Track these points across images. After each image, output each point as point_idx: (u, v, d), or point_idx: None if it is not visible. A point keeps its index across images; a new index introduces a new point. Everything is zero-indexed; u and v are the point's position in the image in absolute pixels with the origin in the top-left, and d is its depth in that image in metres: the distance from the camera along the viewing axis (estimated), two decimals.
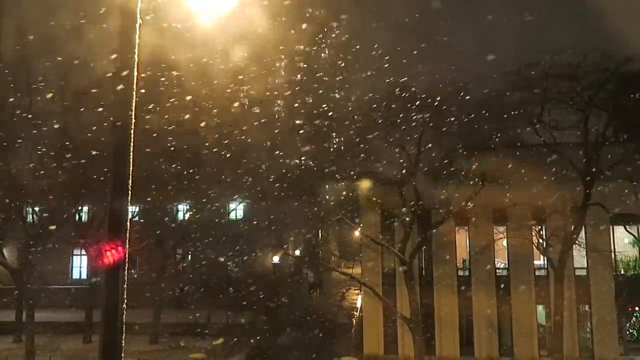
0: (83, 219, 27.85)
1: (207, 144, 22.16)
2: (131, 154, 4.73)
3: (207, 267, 29.62)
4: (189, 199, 28.45)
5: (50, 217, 25.21)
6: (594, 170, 21.74)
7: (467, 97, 22.30)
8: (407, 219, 22.63)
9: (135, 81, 4.76)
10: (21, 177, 22.93)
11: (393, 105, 22.17)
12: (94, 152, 19.82)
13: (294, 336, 26.40)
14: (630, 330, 24.77)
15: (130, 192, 4.72)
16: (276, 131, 24.18)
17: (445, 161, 23.08)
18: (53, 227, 24.77)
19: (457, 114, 21.82)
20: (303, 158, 24.29)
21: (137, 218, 26.81)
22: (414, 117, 22.30)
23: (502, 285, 24.62)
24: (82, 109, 21.49)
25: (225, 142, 22.99)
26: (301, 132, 23.89)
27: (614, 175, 21.51)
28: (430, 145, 22.75)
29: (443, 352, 24.41)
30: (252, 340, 26.21)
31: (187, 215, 29.82)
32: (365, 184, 23.90)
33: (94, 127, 19.11)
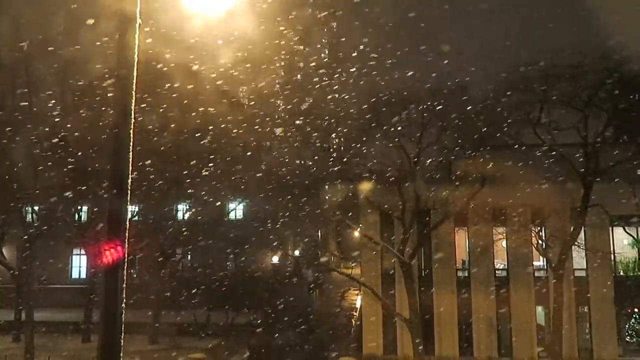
0: (83, 219, 27.86)
1: (205, 144, 22.16)
2: (130, 153, 4.74)
3: (206, 267, 29.62)
4: (188, 198, 28.46)
5: (50, 217, 25.21)
6: (593, 171, 21.75)
7: (467, 97, 22.32)
8: (406, 219, 22.63)
9: (134, 81, 4.78)
10: (20, 177, 22.92)
11: (392, 105, 22.17)
12: (93, 152, 19.83)
13: (293, 336, 26.39)
14: (629, 331, 24.78)
15: (129, 192, 4.73)
16: (274, 131, 24.18)
17: (445, 162, 23.10)
18: (52, 227, 24.77)
19: (457, 114, 21.84)
20: (302, 158, 24.30)
21: (136, 218, 26.80)
22: (414, 117, 22.33)
23: (502, 286, 24.63)
24: (81, 109, 21.49)
25: (224, 142, 23.00)
26: (300, 132, 23.89)
27: (613, 176, 21.53)
28: (429, 145, 22.76)
29: (442, 352, 24.42)
30: (251, 340, 26.22)
31: (186, 215, 29.83)
32: (364, 184, 23.90)
33: (94, 127, 19.11)
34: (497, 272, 25.27)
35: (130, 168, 4.73)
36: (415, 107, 22.29)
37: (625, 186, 21.51)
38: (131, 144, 4.73)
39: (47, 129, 22.32)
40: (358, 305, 33.10)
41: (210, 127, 22.00)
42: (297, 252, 36.46)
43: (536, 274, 24.92)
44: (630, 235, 24.11)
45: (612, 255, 24.41)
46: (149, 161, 19.69)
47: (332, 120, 24.33)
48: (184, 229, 28.05)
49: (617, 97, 21.25)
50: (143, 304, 24.81)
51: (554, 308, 22.60)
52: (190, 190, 26.08)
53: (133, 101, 4.76)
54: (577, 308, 24.31)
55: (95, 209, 26.43)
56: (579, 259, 24.33)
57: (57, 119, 22.54)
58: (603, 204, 22.05)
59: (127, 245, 4.66)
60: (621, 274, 25.01)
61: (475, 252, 24.80)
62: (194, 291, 26.78)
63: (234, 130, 22.53)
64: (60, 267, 32.35)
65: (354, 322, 32.22)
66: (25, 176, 22.70)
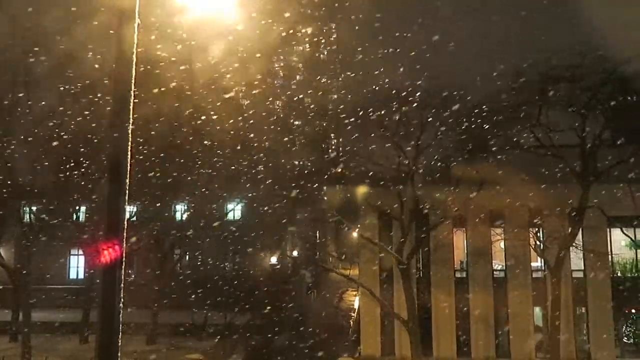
0: (81, 219, 27.80)
1: (205, 144, 22.15)
2: (129, 153, 4.72)
3: (204, 267, 29.59)
4: (187, 198, 28.42)
5: (48, 217, 25.14)
6: (591, 172, 21.79)
7: (465, 99, 22.34)
8: (404, 220, 22.64)
9: (133, 79, 4.76)
10: (18, 176, 22.87)
11: (391, 107, 22.19)
12: (92, 150, 19.79)
13: (291, 337, 26.37)
14: (627, 332, 24.82)
15: (127, 192, 4.71)
16: (274, 132, 24.18)
17: (443, 163, 23.11)
18: (50, 226, 24.71)
19: (456, 116, 21.86)
20: (301, 159, 24.30)
21: (134, 218, 26.76)
22: (412, 119, 22.34)
23: (500, 287, 24.65)
24: (80, 107, 21.44)
25: (223, 142, 22.98)
26: (300, 132, 23.91)
27: (611, 177, 21.56)
28: (428, 146, 22.77)
29: (440, 353, 24.42)
30: (249, 341, 26.18)
31: (185, 215, 29.79)
32: (363, 185, 23.89)
33: (92, 126, 19.08)
34: (495, 273, 25.28)
35: (129, 167, 4.72)
36: (414, 108, 22.30)
37: (622, 188, 21.55)
38: (129, 142, 4.72)
39: (45, 127, 22.26)
40: (356, 306, 33.09)
41: (209, 127, 21.98)
42: (295, 253, 36.44)
43: (534, 275, 24.94)
44: (628, 236, 24.14)
45: (610, 257, 24.45)
46: (147, 161, 19.66)
47: (331, 121, 24.36)
48: (182, 229, 28.01)
49: (615, 99, 21.28)
50: (141, 304, 24.78)
51: (552, 309, 22.62)
52: (188, 190, 26.05)
53: (132, 99, 4.75)
54: (574, 309, 24.34)
55: (93, 209, 26.37)
56: (576, 260, 24.37)
57: (55, 117, 22.49)
58: (601, 206, 22.09)
59: (125, 245, 4.65)
60: (619, 275, 25.06)
61: (474, 253, 24.81)
62: (192, 291, 26.73)
63: (232, 131, 22.52)
64: (58, 267, 32.27)
65: (352, 323, 32.21)
66: (23, 175, 22.65)
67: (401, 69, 22.10)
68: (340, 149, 25.80)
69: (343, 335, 29.32)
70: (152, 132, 19.78)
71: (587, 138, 22.07)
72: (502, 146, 22.24)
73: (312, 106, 24.23)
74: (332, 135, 26.01)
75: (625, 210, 22.13)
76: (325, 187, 25.02)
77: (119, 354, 4.62)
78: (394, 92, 22.51)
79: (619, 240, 24.75)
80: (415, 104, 22.10)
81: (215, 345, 26.30)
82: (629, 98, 21.35)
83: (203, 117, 21.33)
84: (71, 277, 34.28)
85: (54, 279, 32.44)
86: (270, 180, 23.51)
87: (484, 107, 21.71)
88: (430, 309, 24.60)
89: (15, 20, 21.50)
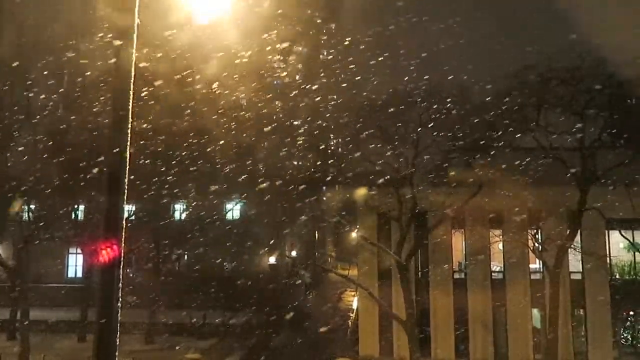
0: (79, 218, 27.79)
1: (204, 145, 22.15)
2: (127, 152, 4.74)
3: (203, 267, 29.59)
4: (186, 198, 28.42)
5: (47, 216, 25.15)
6: (589, 174, 21.82)
7: (464, 100, 22.36)
8: (403, 221, 22.66)
9: (132, 80, 4.78)
10: (17, 175, 22.86)
11: (390, 108, 22.19)
12: (91, 150, 19.78)
13: (289, 336, 26.40)
14: (625, 335, 24.84)
15: (126, 191, 4.72)
16: (273, 132, 24.18)
17: (442, 164, 23.12)
18: (49, 225, 24.70)
19: (454, 117, 21.87)
20: (300, 159, 24.31)
21: (133, 217, 26.76)
22: (411, 120, 22.34)
23: (498, 288, 24.67)
24: (80, 107, 21.45)
25: (222, 142, 22.97)
26: (299, 133, 23.91)
27: (610, 179, 21.59)
28: (427, 148, 22.78)
29: (438, 354, 24.44)
30: (247, 341, 26.20)
31: (183, 215, 29.79)
32: (362, 186, 23.91)
33: (91, 125, 19.08)
34: (493, 274, 25.31)
35: (127, 167, 4.73)
36: (413, 110, 22.31)
37: (621, 190, 21.58)
38: (128, 142, 4.73)
39: (44, 127, 22.27)
40: (354, 306, 33.10)
41: (208, 128, 21.99)
42: (294, 253, 36.46)
43: (532, 276, 24.97)
44: (626, 238, 24.17)
45: (608, 259, 24.48)
46: (147, 161, 19.67)
47: (331, 122, 24.35)
48: (181, 229, 28.02)
49: (614, 101, 21.31)
50: (139, 304, 24.79)
51: (550, 310, 22.65)
52: (187, 190, 26.05)
53: (131, 99, 4.76)
54: (572, 311, 24.37)
55: (92, 208, 26.37)
56: (575, 262, 24.40)
57: (54, 117, 22.50)
58: (599, 208, 22.11)
59: (123, 244, 4.66)
60: (617, 277, 25.09)
61: (472, 254, 24.84)
62: (190, 291, 26.75)
63: (232, 132, 22.52)
64: (56, 266, 32.29)
65: (350, 323, 32.23)
66: (22, 174, 22.65)
67: (400, 71, 22.10)
68: (340, 149, 25.80)
69: (341, 335, 29.33)
70: (150, 133, 19.77)
71: (585, 140, 22.10)
72: (501, 148, 22.25)
73: (311, 107, 24.24)
74: (331, 136, 26.01)
75: (623, 212, 22.16)
76: (324, 188, 25.03)
77: (117, 353, 4.63)
78: (392, 93, 22.51)
79: (617, 242, 24.79)
80: (414, 105, 22.11)
81: (214, 345, 26.31)
82: (628, 101, 21.39)
83: (201, 118, 21.34)
84: (69, 275, 34.31)
85: (52, 277, 32.45)
86: (269, 181, 23.52)
87: (482, 108, 21.73)
88: (429, 310, 24.62)
89: (18, 30, 21.56)
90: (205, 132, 22.09)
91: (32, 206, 26.04)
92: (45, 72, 22.34)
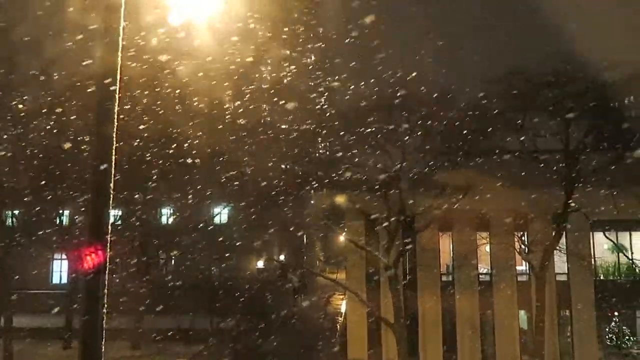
0: (64, 223, 27.44)
1: (191, 148, 22.02)
2: (113, 156, 4.70)
3: (190, 271, 29.36)
4: (173, 203, 28.21)
5: (31, 220, 24.79)
6: (574, 177, 22.10)
7: (451, 105, 22.53)
8: (391, 224, 22.73)
9: (118, 85, 4.74)
10: (1, 179, 22.52)
11: (377, 112, 22.28)
12: (77, 155, 19.55)
13: (278, 341, 26.27)
14: (610, 335, 25.15)
15: (112, 196, 4.68)
16: (261, 136, 24.14)
17: (430, 167, 23.25)
18: (33, 230, 24.35)
19: (441, 121, 22.04)
20: (288, 163, 24.27)
21: (119, 222, 26.50)
22: (399, 124, 22.46)
23: (485, 290, 24.84)
24: (65, 111, 21.19)
25: (210, 146, 22.87)
26: (286, 137, 23.90)
27: (594, 182, 21.88)
28: (414, 151, 22.91)
29: (427, 356, 24.52)
30: (236, 346, 26.01)
31: (170, 220, 29.56)
32: (350, 190, 23.94)
33: (77, 129, 18.87)
34: (480, 276, 25.49)
35: (113, 171, 4.69)
36: (400, 114, 22.43)
37: (605, 192, 21.88)
38: (113, 146, 4.69)
39: (28, 131, 21.97)
40: (343, 310, 33.09)
41: (195, 132, 21.87)
42: (282, 257, 36.35)
43: (519, 278, 25.19)
44: (610, 239, 24.50)
45: (593, 260, 24.79)
46: (131, 165, 19.49)
47: (318, 126, 24.38)
48: (168, 233, 27.79)
49: (597, 105, 21.63)
50: (125, 309, 24.50)
51: (537, 312, 22.85)
52: (174, 194, 25.86)
53: (116, 103, 4.72)
54: (559, 312, 24.62)
55: (78, 213, 26.06)
56: (560, 263, 24.67)
57: (39, 121, 22.21)
58: (584, 210, 22.40)
59: (109, 250, 4.61)
60: (601, 278, 25.41)
61: (460, 257, 24.99)
62: (177, 296, 26.51)
63: (218, 135, 22.43)
64: (40, 271, 31.79)
65: (339, 327, 32.21)
66: (5, 178, 22.31)
67: (388, 75, 22.20)
68: (328, 153, 25.82)
69: (330, 339, 29.29)
70: (138, 140, 19.62)
71: (570, 143, 22.40)
72: (487, 151, 22.46)
73: (299, 111, 24.25)
74: (320, 140, 26.03)
75: (607, 214, 22.46)
76: (312, 192, 25.02)
77: None
78: (379, 97, 22.61)
79: (601, 244, 25.12)
80: (401, 109, 22.22)
81: (201, 351, 26.10)
82: (611, 104, 21.72)
83: (187, 121, 21.23)
84: (54, 281, 33.83)
85: (37, 283, 31.96)
86: (257, 185, 23.45)
87: (469, 112, 21.93)
88: (417, 313, 24.70)
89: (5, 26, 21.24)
90: (190, 137, 21.97)
91: (16, 211, 25.67)
92: (31, 71, 22.05)
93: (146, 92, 18.76)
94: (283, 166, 23.26)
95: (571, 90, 21.85)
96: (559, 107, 22.03)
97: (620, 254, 25.09)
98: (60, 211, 26.80)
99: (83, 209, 23.06)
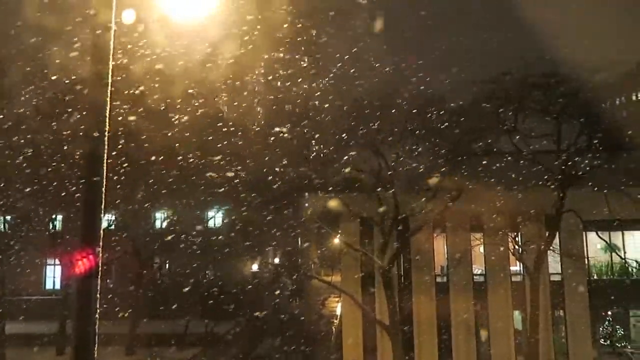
0: (57, 228, 27.25)
1: (183, 150, 21.94)
2: (105, 160, 4.67)
3: (184, 275, 29.24)
4: (167, 206, 28.10)
5: (23, 226, 24.60)
6: (567, 177, 22.24)
7: (444, 106, 22.63)
8: (385, 226, 22.75)
9: (109, 88, 4.72)
10: None
11: (371, 113, 22.31)
12: (69, 159, 19.44)
13: (273, 344, 26.23)
14: (603, 334, 25.28)
15: (104, 200, 4.65)
16: (255, 138, 24.09)
17: (423, 169, 23.31)
18: (26, 236, 24.17)
19: (435, 123, 22.11)
20: (282, 165, 24.24)
21: (113, 226, 26.35)
22: (392, 125, 22.51)
23: (480, 291, 24.92)
24: (57, 115, 21.07)
25: (203, 148, 22.80)
26: (280, 139, 23.86)
27: (586, 182, 22.03)
28: (408, 152, 22.97)
29: (422, 358, 24.53)
30: (231, 350, 25.93)
31: (164, 224, 29.43)
32: (344, 192, 23.95)
33: (70, 132, 18.74)
34: (475, 277, 25.56)
35: (105, 174, 4.66)
36: (393, 115, 22.49)
37: (597, 192, 22.02)
38: (106, 150, 4.66)
39: (20, 135, 21.81)
40: (338, 312, 33.05)
41: (188, 134, 21.78)
42: (276, 260, 36.28)
43: (513, 278, 25.29)
44: (603, 239, 24.65)
45: (586, 260, 24.94)
46: (126, 168, 19.40)
47: (312, 127, 24.35)
48: (162, 237, 27.64)
49: (589, 106, 21.80)
50: (119, 314, 24.35)
51: (531, 312, 22.94)
52: (168, 198, 25.74)
53: (108, 107, 4.69)
54: (553, 312, 24.72)
55: (70, 217, 25.89)
56: (554, 263, 24.79)
57: (31, 125, 22.06)
58: (577, 210, 22.54)
59: (101, 254, 4.58)
60: (595, 277, 25.56)
61: (454, 258, 25.05)
62: (172, 300, 26.39)
63: (211, 137, 22.36)
64: (33, 277, 31.53)
65: (334, 329, 32.16)
66: None
67: (381, 75, 22.24)
68: (322, 155, 25.81)
69: (325, 342, 29.24)
70: (131, 142, 19.52)
71: (563, 144, 22.55)
72: (481, 152, 22.57)
73: (293, 112, 24.22)
74: (313, 142, 26.02)
75: (600, 214, 22.61)
76: (306, 194, 25.00)
77: None
78: (373, 98, 22.65)
79: (594, 243, 25.27)
80: (395, 110, 22.27)
81: (196, 355, 25.99)
82: (603, 105, 21.91)
83: (181, 123, 21.15)
84: (47, 287, 33.57)
85: (30, 289, 31.70)
86: (251, 187, 23.40)
87: (462, 114, 22.02)
88: (412, 314, 24.72)
89: None
90: (185, 139, 21.88)
91: (9, 216, 25.47)
92: (21, 76, 21.91)
93: (141, 90, 18.67)
94: (277, 169, 23.23)
95: (563, 91, 22.00)
96: (551, 108, 22.18)
97: (613, 254, 25.26)
98: (53, 216, 26.62)
99: (74, 214, 22.91)
